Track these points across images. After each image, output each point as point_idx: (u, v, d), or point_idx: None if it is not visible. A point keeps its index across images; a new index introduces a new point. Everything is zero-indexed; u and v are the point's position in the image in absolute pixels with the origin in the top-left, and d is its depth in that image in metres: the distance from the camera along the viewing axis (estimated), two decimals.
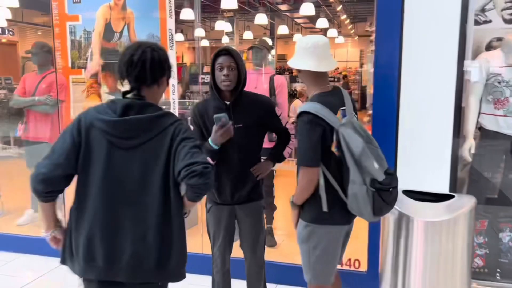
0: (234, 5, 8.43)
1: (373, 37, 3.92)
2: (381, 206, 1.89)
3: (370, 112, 2.76)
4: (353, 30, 15.64)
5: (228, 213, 2.40)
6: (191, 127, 2.31)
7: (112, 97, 3.78)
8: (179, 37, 12.36)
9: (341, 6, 9.54)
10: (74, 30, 3.74)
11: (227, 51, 2.27)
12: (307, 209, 2.07)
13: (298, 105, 9.41)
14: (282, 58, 16.85)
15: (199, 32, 13.20)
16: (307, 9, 8.84)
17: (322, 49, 2.02)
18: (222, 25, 11.62)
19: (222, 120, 2.15)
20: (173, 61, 3.59)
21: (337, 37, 15.70)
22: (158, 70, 1.75)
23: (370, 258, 2.90)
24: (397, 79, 2.54)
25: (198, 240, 3.30)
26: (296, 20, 13.90)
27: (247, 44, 18.40)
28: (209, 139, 2.23)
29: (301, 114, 1.94)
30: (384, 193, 1.87)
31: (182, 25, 12.65)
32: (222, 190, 2.35)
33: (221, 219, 2.41)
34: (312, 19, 13.50)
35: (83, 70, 3.76)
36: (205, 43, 15.09)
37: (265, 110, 2.41)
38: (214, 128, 2.18)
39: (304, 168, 1.96)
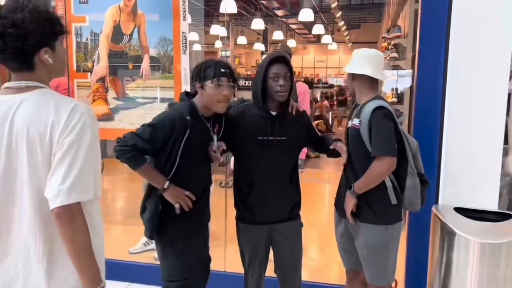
0: (234, 10, 8.31)
1: (393, 42, 3.84)
2: (424, 197, 2.14)
3: None
4: (348, 37, 15.63)
5: (266, 233, 2.20)
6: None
7: (120, 102, 3.62)
8: None
9: (340, 12, 9.45)
10: (81, 31, 3.54)
11: (283, 59, 2.07)
12: (380, 212, 2.09)
13: None
14: None
15: (193, 36, 13.07)
16: (306, 15, 8.73)
17: (380, 60, 2.19)
18: (217, 30, 11.46)
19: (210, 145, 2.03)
20: (185, 65, 3.42)
21: (331, 44, 15.69)
22: None
23: (408, 279, 2.68)
24: (441, 92, 2.38)
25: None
26: (290, 26, 13.79)
27: (241, 49, 18.34)
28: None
29: (378, 108, 2.03)
30: (426, 184, 2.13)
31: None
32: (260, 207, 2.15)
33: (259, 241, 2.20)
34: (306, 25, 13.44)
35: (89, 73, 3.56)
36: (197, 47, 14.93)
37: (307, 122, 2.30)
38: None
39: (386, 157, 2.00)
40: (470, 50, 2.32)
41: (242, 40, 14.35)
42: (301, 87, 3.61)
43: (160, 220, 2.01)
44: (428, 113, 2.43)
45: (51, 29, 1.35)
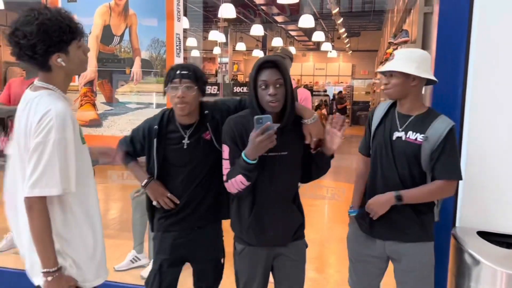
0: (233, 15, 8.14)
1: (401, 47, 3.63)
2: None
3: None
4: (349, 44, 15.50)
5: (266, 256, 1.95)
6: (225, 146, 1.87)
7: (109, 108, 3.39)
8: None
9: (341, 19, 9.29)
10: None
11: (272, 63, 1.78)
12: (430, 230, 1.96)
13: None
14: None
15: (191, 41, 12.90)
16: (306, 21, 8.56)
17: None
18: (216, 36, 11.30)
19: (266, 124, 1.67)
20: None
21: (330, 51, 15.57)
22: None
23: None
24: (461, 100, 2.16)
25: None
26: (290, 32, 13.65)
27: (239, 55, 18.20)
28: (243, 152, 1.76)
29: (453, 128, 1.86)
30: None
31: None
32: (260, 228, 1.90)
33: (258, 264, 1.95)
34: (306, 32, 13.29)
35: (76, 77, 3.33)
36: (195, 53, 14.78)
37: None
38: (252, 134, 1.71)
39: (454, 181, 1.91)
40: (494, 55, 2.10)
41: (241, 46, 14.21)
42: (303, 94, 3.40)
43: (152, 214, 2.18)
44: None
45: (59, 38, 1.54)
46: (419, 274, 1.92)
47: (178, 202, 2.04)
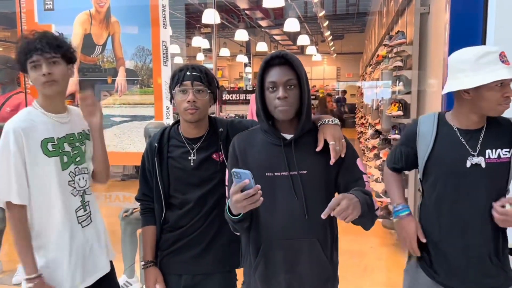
0: (217, 20, 7.98)
1: (396, 49, 3.51)
2: None
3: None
4: (334, 48, 15.47)
5: None
6: (227, 169, 1.58)
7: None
8: None
9: (327, 22, 9.20)
10: None
11: (283, 59, 1.44)
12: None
13: None
14: None
15: (174, 48, 12.70)
16: (291, 25, 8.44)
17: None
18: (199, 42, 11.11)
19: (244, 182, 1.31)
20: (167, 78, 3.02)
21: (315, 55, 15.51)
22: None
23: None
24: None
25: None
26: (274, 37, 13.54)
27: (223, 61, 18.03)
28: (228, 202, 1.42)
29: None
30: None
31: None
32: (270, 277, 1.49)
33: None
34: (290, 36, 13.21)
35: None
36: (178, 60, 14.56)
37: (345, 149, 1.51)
38: (231, 189, 1.34)
39: None
40: None
41: (225, 52, 14.04)
42: None
43: None
44: None
45: (17, 59, 1.64)
46: None
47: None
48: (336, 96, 15.89)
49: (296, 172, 1.45)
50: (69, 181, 1.69)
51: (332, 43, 14.35)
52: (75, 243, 1.70)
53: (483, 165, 1.52)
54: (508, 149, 1.52)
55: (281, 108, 1.42)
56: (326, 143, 1.46)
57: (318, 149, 1.46)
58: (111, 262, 1.87)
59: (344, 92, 16.20)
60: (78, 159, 1.72)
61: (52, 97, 1.66)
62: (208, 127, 1.76)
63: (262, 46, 12.63)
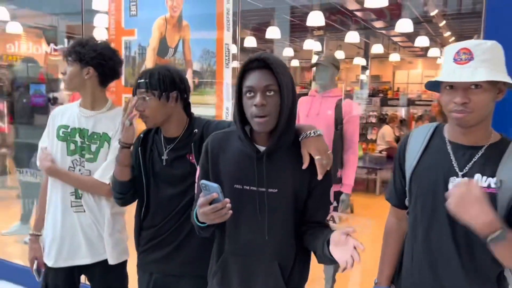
0: (322, 23, 7.89)
1: None
2: None
3: None
4: None
5: None
6: (198, 167, 1.55)
7: None
8: None
9: (444, 22, 8.45)
10: (129, 45, 3.43)
11: (262, 61, 1.32)
12: None
13: (388, 132, 8.46)
14: (376, 79, 15.82)
15: (287, 51, 12.87)
16: (404, 26, 7.94)
17: None
18: (311, 44, 11.09)
19: (212, 195, 1.25)
20: (228, 80, 3.10)
21: (440, 57, 14.38)
22: None
23: None
24: None
25: None
26: (393, 38, 12.88)
27: (340, 64, 17.71)
28: (196, 206, 1.35)
29: None
30: None
31: (271, 45, 12.42)
32: (226, 283, 1.45)
33: None
34: (411, 37, 12.42)
35: None
36: (295, 63, 14.72)
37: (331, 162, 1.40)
38: (200, 199, 1.29)
39: None
40: None
41: (339, 55, 13.78)
42: (348, 107, 2.96)
43: None
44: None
45: None
46: None
47: None
48: None
49: (264, 189, 1.36)
50: (70, 167, 1.92)
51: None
52: (65, 224, 1.91)
53: (491, 188, 1.23)
54: (496, 181, 1.23)
55: (257, 119, 1.31)
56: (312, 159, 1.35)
57: (304, 166, 1.35)
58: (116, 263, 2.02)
59: None
60: (83, 152, 1.88)
61: (75, 93, 1.91)
62: (187, 127, 1.76)
63: (378, 48, 12.12)
